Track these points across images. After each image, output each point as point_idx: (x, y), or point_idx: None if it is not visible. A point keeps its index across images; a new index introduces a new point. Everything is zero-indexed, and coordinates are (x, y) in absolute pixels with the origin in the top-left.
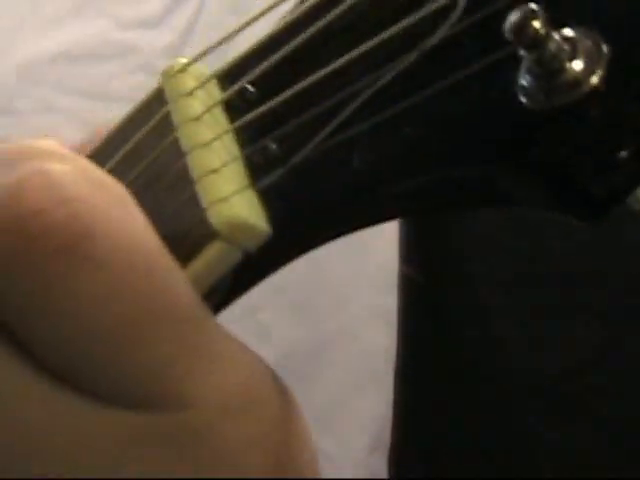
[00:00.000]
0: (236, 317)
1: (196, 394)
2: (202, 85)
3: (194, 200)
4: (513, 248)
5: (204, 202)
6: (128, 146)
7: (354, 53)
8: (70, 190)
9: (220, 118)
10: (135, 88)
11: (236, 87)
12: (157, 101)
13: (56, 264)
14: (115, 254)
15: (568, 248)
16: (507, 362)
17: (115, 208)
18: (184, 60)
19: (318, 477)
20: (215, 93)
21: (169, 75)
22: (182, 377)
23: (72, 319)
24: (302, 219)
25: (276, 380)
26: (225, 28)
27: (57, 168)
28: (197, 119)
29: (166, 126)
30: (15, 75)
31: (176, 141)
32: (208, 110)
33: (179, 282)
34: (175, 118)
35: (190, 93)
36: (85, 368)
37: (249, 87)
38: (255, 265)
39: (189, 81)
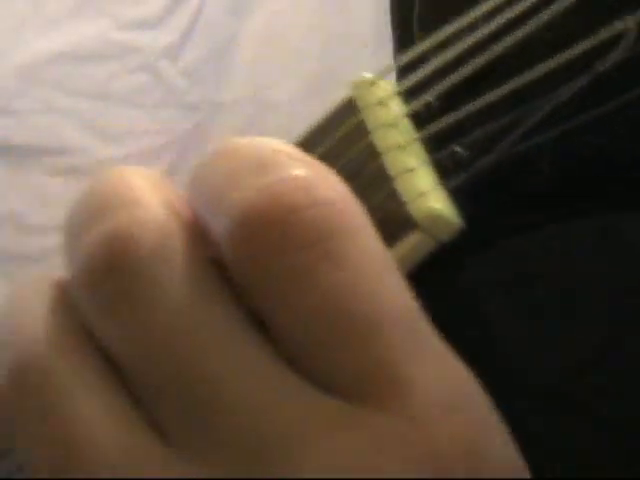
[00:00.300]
0: None
1: (419, 394)
2: (391, 97)
3: (393, 195)
4: (513, 248)
5: (404, 197)
6: (320, 150)
7: (533, 74)
8: (323, 193)
9: (407, 126)
10: (135, 88)
11: (422, 100)
12: (348, 109)
13: (305, 258)
14: (355, 255)
15: (568, 248)
16: (507, 362)
17: (353, 212)
18: (369, 75)
19: None
20: (399, 104)
21: (359, 87)
22: (408, 376)
23: (313, 310)
24: (486, 218)
25: (477, 382)
26: (225, 28)
27: (309, 174)
28: (390, 125)
29: (360, 131)
30: (15, 75)
31: (371, 144)
32: (399, 118)
33: (402, 282)
34: (369, 124)
35: (381, 103)
36: (314, 357)
37: (433, 100)
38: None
39: (378, 92)
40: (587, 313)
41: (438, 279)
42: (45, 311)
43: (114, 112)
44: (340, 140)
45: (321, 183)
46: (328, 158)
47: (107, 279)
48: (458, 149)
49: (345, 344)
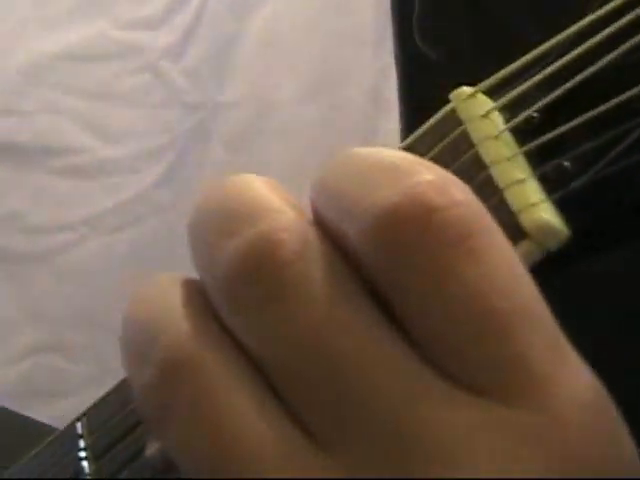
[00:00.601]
0: None
1: (558, 392)
2: (492, 110)
3: (503, 205)
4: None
5: (514, 207)
6: (427, 159)
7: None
8: (458, 195)
9: (510, 139)
10: (137, 88)
11: (524, 114)
12: (451, 121)
13: (447, 254)
14: (492, 252)
15: (568, 246)
16: None
17: (484, 212)
18: (469, 88)
19: None
20: (499, 118)
21: (460, 99)
22: (546, 373)
23: (455, 304)
24: (594, 227)
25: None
26: (226, 29)
27: (441, 178)
28: (494, 138)
29: (465, 143)
30: (18, 75)
31: (478, 156)
32: (502, 131)
33: (532, 280)
34: (474, 136)
35: (483, 116)
36: (452, 352)
37: (534, 114)
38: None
39: (479, 105)
40: (587, 313)
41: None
42: (186, 311)
43: (115, 112)
44: (444, 151)
45: (453, 186)
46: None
47: (257, 282)
48: (565, 162)
49: (485, 338)
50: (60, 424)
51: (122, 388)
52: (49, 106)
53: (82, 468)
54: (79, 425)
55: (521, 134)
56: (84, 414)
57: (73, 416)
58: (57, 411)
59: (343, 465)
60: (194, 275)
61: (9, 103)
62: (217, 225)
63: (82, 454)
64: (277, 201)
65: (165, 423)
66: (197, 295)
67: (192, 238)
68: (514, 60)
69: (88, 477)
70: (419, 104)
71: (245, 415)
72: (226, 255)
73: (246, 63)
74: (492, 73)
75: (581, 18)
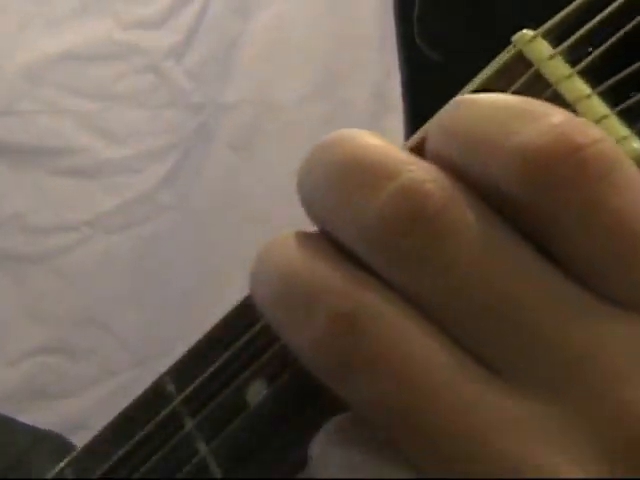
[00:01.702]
0: None
1: None
2: (557, 53)
3: None
4: None
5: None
6: None
7: None
8: (595, 133)
9: (580, 80)
10: (139, 89)
11: (590, 58)
12: (519, 64)
13: (594, 188)
14: (632, 181)
15: None
16: None
17: (617, 146)
18: (530, 32)
19: None
20: (563, 61)
21: (524, 41)
22: None
23: (608, 231)
24: None
25: None
26: (229, 29)
27: (573, 117)
28: (569, 77)
29: (539, 83)
30: (19, 76)
31: (557, 94)
32: (575, 71)
33: None
34: (549, 77)
35: (551, 57)
36: (607, 277)
37: (596, 54)
38: None
39: (544, 48)
40: None
41: None
42: (336, 262)
43: (118, 113)
44: (519, 93)
45: (587, 125)
46: None
47: (413, 233)
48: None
49: (635, 261)
50: (60, 424)
51: (203, 345)
52: (51, 106)
53: (183, 424)
54: (167, 385)
55: (590, 74)
56: (168, 375)
57: (74, 416)
58: (58, 412)
59: (532, 404)
60: (193, 275)
61: (11, 103)
62: (355, 181)
63: (179, 411)
64: (404, 153)
65: (348, 374)
66: (331, 246)
67: (319, 194)
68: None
69: (191, 431)
70: (422, 103)
71: (430, 358)
72: (374, 210)
73: (249, 64)
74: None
75: None
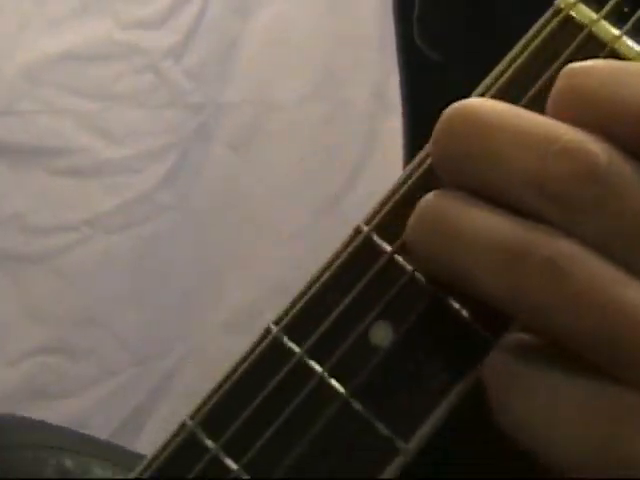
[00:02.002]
0: (239, 318)
1: None
2: (601, 17)
3: None
4: None
5: None
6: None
7: None
8: None
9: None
10: (139, 89)
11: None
12: (570, 27)
13: None
14: None
15: None
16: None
17: None
18: None
19: None
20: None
21: (570, 4)
22: None
23: None
24: None
25: None
26: (229, 29)
27: None
28: (619, 37)
29: (594, 44)
30: (19, 76)
31: (615, 52)
32: (624, 31)
33: None
34: (602, 36)
35: (597, 20)
36: None
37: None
38: None
39: (587, 11)
40: None
41: None
42: (512, 218)
43: (118, 113)
44: (574, 54)
45: None
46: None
47: (589, 186)
48: None
49: None
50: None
51: (317, 296)
52: (51, 106)
53: (311, 368)
54: (283, 339)
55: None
56: (282, 329)
57: (74, 416)
58: (58, 412)
59: None
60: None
61: (11, 103)
62: (519, 145)
63: (305, 363)
64: (547, 119)
65: (554, 314)
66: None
67: (473, 160)
68: None
69: (323, 374)
70: (422, 103)
71: (627, 292)
72: (549, 168)
73: (249, 64)
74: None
75: None
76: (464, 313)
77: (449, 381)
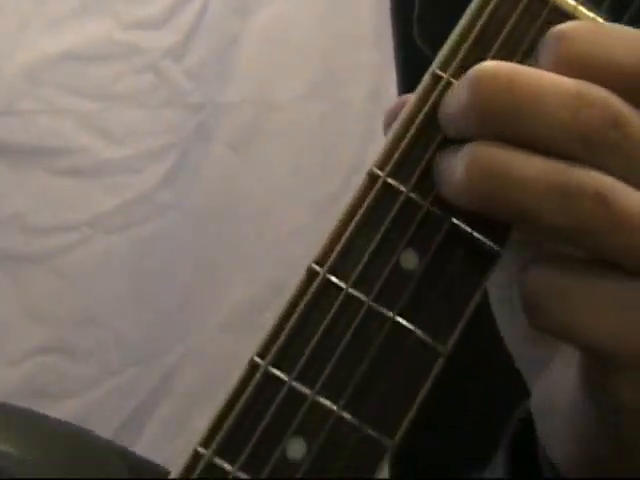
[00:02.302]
0: (239, 317)
1: None
2: None
3: None
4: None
5: None
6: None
7: None
8: None
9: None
10: (139, 89)
11: None
12: (536, 3)
13: None
14: None
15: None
16: (508, 362)
17: None
18: None
19: None
20: None
21: None
22: None
23: None
24: None
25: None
26: (229, 29)
27: None
28: (576, 7)
29: (560, 14)
30: (20, 75)
31: (557, 8)
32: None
33: None
34: (565, 8)
35: None
36: None
37: None
38: None
39: None
40: None
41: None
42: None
43: (117, 113)
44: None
45: None
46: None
47: (613, 128)
48: None
49: None
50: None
51: (352, 238)
52: (50, 106)
53: (358, 298)
54: (330, 277)
55: None
56: (328, 270)
57: (74, 416)
58: (58, 412)
59: None
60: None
61: (11, 103)
62: (561, 102)
63: (352, 295)
64: (566, 78)
65: (597, 236)
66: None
67: (505, 110)
68: None
69: (370, 302)
70: None
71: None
72: (582, 118)
73: (248, 63)
74: None
75: None
76: (474, 233)
77: (470, 289)
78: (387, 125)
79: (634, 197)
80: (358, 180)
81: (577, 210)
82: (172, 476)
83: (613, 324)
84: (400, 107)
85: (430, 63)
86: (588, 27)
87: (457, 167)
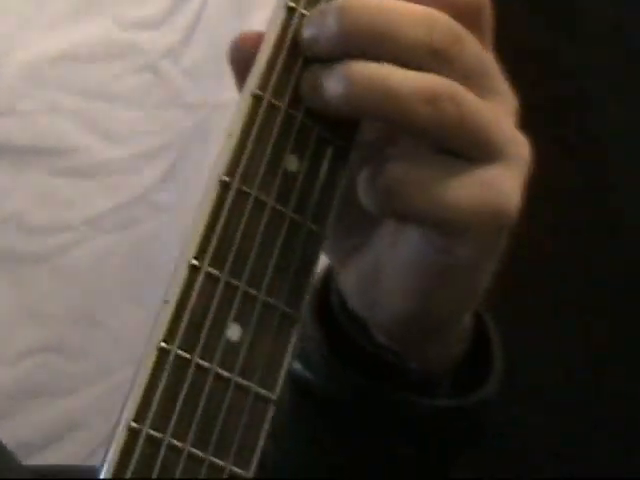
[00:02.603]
0: None
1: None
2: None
3: None
4: (513, 249)
5: None
6: None
7: None
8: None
9: None
10: (137, 88)
11: None
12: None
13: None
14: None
15: (567, 248)
16: (507, 362)
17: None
18: None
19: None
20: None
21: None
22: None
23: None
24: None
25: None
26: (227, 29)
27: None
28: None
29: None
30: (18, 76)
31: None
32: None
33: None
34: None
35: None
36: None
37: None
38: None
39: None
40: (587, 313)
41: None
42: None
43: (116, 112)
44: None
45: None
46: None
47: (458, 43)
48: None
49: None
50: (60, 423)
51: (244, 145)
52: (50, 106)
53: (248, 192)
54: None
55: None
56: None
57: (73, 415)
58: (57, 411)
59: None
60: None
61: (10, 103)
62: (417, 29)
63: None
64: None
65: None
66: None
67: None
68: None
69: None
70: None
71: (477, 101)
72: (435, 37)
73: None
74: None
75: None
76: (330, 136)
77: (337, 179)
78: (233, 58)
79: (473, 99)
80: None
81: (440, 111)
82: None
83: (462, 202)
84: (249, 41)
85: None
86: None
87: (335, 82)
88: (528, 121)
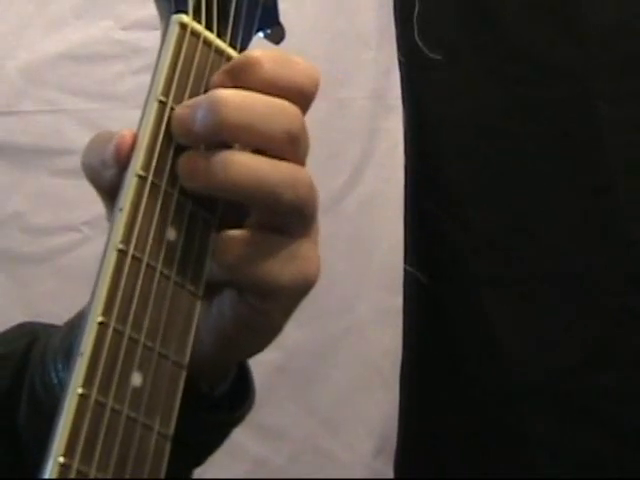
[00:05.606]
0: None
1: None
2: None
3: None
4: (513, 248)
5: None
6: None
7: None
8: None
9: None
10: (139, 88)
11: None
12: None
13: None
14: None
15: (568, 248)
16: (507, 362)
17: None
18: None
19: None
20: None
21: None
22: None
23: None
24: None
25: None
26: None
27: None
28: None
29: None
30: (19, 76)
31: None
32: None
33: None
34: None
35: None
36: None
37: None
38: None
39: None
40: (587, 313)
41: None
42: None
43: (117, 113)
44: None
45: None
46: None
47: (304, 133)
48: None
49: None
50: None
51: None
52: (51, 106)
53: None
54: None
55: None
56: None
57: None
58: None
59: None
60: None
61: (11, 103)
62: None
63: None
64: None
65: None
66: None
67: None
68: None
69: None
70: (421, 103)
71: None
72: (291, 127)
73: None
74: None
75: None
76: (198, 209)
77: (207, 246)
78: (117, 156)
79: (272, 163)
80: (360, 181)
81: (300, 194)
82: None
83: (279, 270)
84: (125, 142)
85: (431, 63)
86: (272, 55)
87: (213, 171)
88: (528, 121)
